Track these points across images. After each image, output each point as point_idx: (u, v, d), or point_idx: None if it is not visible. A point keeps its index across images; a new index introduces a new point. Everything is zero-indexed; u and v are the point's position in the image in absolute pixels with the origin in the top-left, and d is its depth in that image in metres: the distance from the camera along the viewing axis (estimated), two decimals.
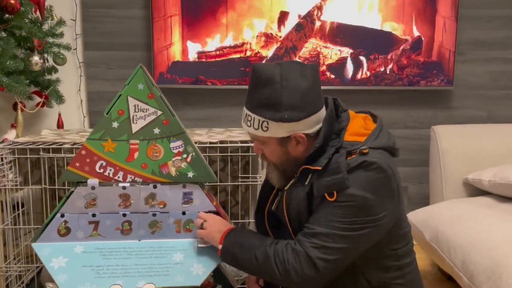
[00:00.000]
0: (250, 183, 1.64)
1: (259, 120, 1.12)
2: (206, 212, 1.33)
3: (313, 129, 1.14)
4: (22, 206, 1.69)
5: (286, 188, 1.20)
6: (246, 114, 1.15)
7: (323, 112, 1.15)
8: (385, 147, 1.13)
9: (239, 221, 1.70)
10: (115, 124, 1.31)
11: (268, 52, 2.46)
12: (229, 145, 1.60)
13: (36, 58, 2.08)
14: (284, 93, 1.09)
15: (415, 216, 2.03)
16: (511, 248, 1.57)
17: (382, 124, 1.19)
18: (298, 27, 2.45)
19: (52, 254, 1.31)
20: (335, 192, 1.08)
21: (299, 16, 2.44)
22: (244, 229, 1.32)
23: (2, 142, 1.76)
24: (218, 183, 1.59)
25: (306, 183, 1.15)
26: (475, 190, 2.14)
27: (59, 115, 2.38)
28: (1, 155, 1.53)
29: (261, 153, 1.22)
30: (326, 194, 1.10)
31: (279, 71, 1.10)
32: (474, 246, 1.66)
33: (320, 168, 1.11)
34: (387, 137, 1.17)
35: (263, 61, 2.46)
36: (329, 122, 1.15)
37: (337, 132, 1.16)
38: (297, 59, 2.48)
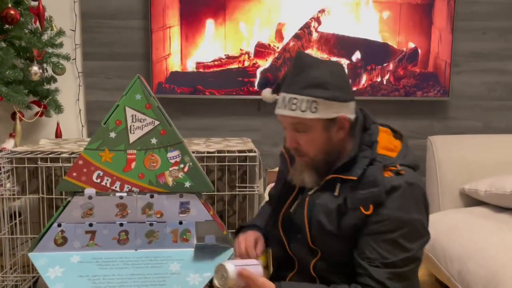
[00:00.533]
0: (248, 192, 1.64)
1: (307, 100, 1.10)
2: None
3: (352, 115, 1.15)
4: (19, 216, 1.68)
5: (310, 193, 1.19)
6: (290, 98, 1.12)
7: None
8: (412, 165, 1.15)
9: (237, 230, 1.70)
10: (112, 134, 1.32)
11: (266, 63, 2.48)
12: (226, 154, 1.60)
13: (35, 68, 2.09)
14: (330, 75, 1.11)
15: None
16: (507, 258, 1.57)
17: (406, 141, 1.21)
18: (296, 38, 2.47)
19: (49, 264, 1.31)
20: (371, 206, 1.09)
21: (297, 27, 2.46)
22: (290, 282, 1.24)
23: (0, 151, 1.76)
24: (216, 193, 1.59)
25: (336, 193, 1.14)
26: (471, 200, 2.14)
27: (58, 124, 2.39)
28: None
29: (295, 147, 1.18)
30: (361, 207, 1.09)
31: (318, 58, 1.14)
32: (471, 256, 1.66)
33: (356, 178, 1.11)
34: (413, 155, 1.18)
35: (260, 71, 2.48)
36: (361, 131, 1.17)
37: (368, 144, 1.16)
38: None
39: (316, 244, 1.19)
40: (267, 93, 1.30)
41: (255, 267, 1.12)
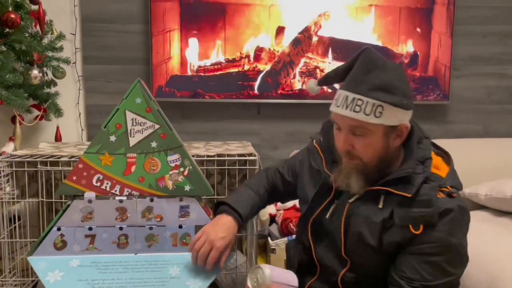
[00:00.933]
0: None
1: (373, 104, 1.03)
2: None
3: (409, 124, 1.10)
4: (19, 219, 1.68)
5: (350, 201, 1.15)
6: (354, 98, 1.05)
7: None
8: (459, 187, 1.13)
9: (236, 234, 1.69)
10: (112, 138, 1.32)
11: (266, 66, 2.48)
12: (226, 158, 1.60)
13: (35, 72, 2.09)
14: (398, 80, 1.06)
15: None
16: (508, 262, 1.57)
17: (452, 161, 1.17)
18: (295, 42, 2.47)
19: (48, 268, 1.30)
20: (421, 226, 1.06)
21: (297, 31, 2.47)
22: None
23: (0, 155, 1.76)
24: (215, 197, 1.59)
25: (380, 206, 1.10)
26: (471, 204, 2.14)
27: (57, 128, 2.39)
28: None
29: (349, 150, 1.10)
30: (411, 226, 1.06)
31: (386, 60, 1.08)
32: (471, 260, 1.63)
33: (410, 196, 1.06)
34: (457, 176, 1.15)
35: (261, 76, 2.48)
36: (416, 148, 1.12)
37: (421, 160, 1.11)
38: (295, 72, 2.50)
39: (349, 254, 1.16)
40: (312, 84, 1.23)
41: (290, 276, 1.12)
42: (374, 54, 1.07)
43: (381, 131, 1.07)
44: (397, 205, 1.08)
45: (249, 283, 1.09)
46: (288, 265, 1.38)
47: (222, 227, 1.23)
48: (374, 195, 1.11)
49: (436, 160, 1.14)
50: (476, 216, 2.02)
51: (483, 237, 1.76)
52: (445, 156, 1.17)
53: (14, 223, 1.65)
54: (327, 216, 1.19)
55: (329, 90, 2.49)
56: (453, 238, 1.06)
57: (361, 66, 1.07)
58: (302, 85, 2.51)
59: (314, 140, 1.30)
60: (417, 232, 1.06)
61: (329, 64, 2.49)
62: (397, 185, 1.08)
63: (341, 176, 1.14)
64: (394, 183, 1.08)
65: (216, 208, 1.32)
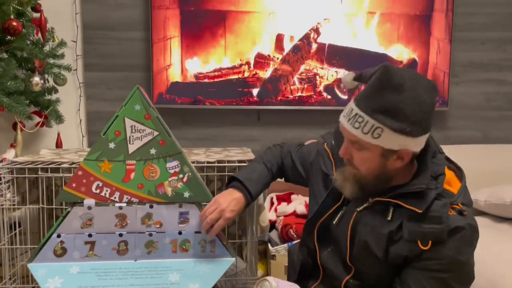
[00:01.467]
0: None
1: (373, 124, 1.02)
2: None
3: (418, 148, 1.07)
4: (19, 226, 1.69)
5: (358, 209, 1.14)
6: (357, 114, 1.03)
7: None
8: (470, 204, 1.12)
9: (236, 241, 1.70)
10: (111, 145, 1.32)
11: (266, 73, 2.50)
12: (226, 164, 1.61)
13: (36, 79, 2.10)
14: (411, 105, 1.00)
15: None
16: (508, 268, 1.57)
17: (464, 176, 1.15)
18: (295, 49, 2.49)
19: (48, 274, 1.30)
20: (430, 242, 1.05)
21: (296, 38, 2.48)
22: None
23: (1, 161, 1.77)
24: None
25: (389, 218, 1.09)
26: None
27: (58, 134, 2.40)
28: (0, 174, 1.54)
29: (348, 158, 1.11)
30: (419, 241, 1.05)
31: (409, 79, 1.01)
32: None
33: (421, 211, 1.05)
34: (469, 193, 1.14)
35: (261, 82, 2.49)
36: (430, 162, 1.10)
37: (434, 176, 1.09)
38: (295, 79, 2.51)
39: (354, 262, 1.16)
40: (348, 77, 1.19)
41: None
42: (394, 73, 1.01)
43: (378, 151, 1.05)
44: (407, 219, 1.07)
45: None
46: (290, 269, 1.38)
47: (234, 201, 1.28)
48: (383, 206, 1.10)
49: (449, 174, 1.13)
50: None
51: (483, 243, 1.75)
52: (458, 171, 1.15)
53: (15, 229, 1.65)
54: (334, 222, 1.19)
55: (329, 97, 2.50)
56: (461, 256, 1.06)
57: (373, 83, 1.03)
58: (302, 92, 2.52)
59: (326, 143, 1.29)
60: (425, 248, 1.05)
61: (328, 71, 2.51)
62: (408, 199, 1.07)
63: (340, 178, 1.15)
64: (405, 196, 1.07)
65: (229, 181, 1.36)
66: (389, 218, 1.09)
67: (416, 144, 1.05)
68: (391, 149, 1.04)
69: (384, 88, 1.01)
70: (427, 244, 1.05)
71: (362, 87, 1.11)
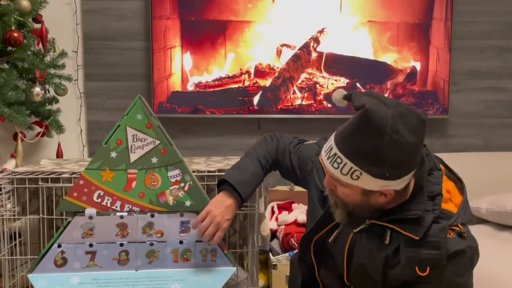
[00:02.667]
0: (248, 211, 1.63)
1: (351, 167, 0.98)
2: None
3: (403, 185, 1.02)
4: (20, 236, 1.68)
5: (355, 230, 1.11)
6: (336, 154, 1.00)
7: None
8: (470, 222, 1.10)
9: (237, 250, 1.69)
10: (113, 154, 1.32)
11: (266, 82, 2.50)
12: None
13: (37, 89, 2.11)
14: (392, 150, 0.95)
15: None
16: (510, 277, 1.56)
17: (465, 189, 1.12)
18: (295, 58, 2.50)
19: (48, 285, 1.30)
20: (428, 268, 1.02)
21: (296, 47, 2.49)
22: None
23: (2, 172, 1.76)
24: None
25: (387, 242, 1.05)
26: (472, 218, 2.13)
27: (59, 144, 2.40)
28: (0, 185, 1.54)
29: (331, 189, 1.09)
30: (417, 268, 1.03)
31: (392, 120, 0.95)
32: (474, 275, 1.64)
33: (418, 238, 1.02)
34: (469, 208, 1.11)
35: (261, 91, 2.50)
36: (426, 182, 1.05)
37: (431, 196, 1.05)
38: (294, 88, 2.52)
39: (353, 282, 1.15)
40: (338, 95, 1.14)
41: None
42: (373, 117, 0.95)
43: (358, 190, 1.03)
44: (404, 244, 1.04)
45: None
46: (291, 282, 1.37)
47: (227, 209, 1.26)
48: (380, 229, 1.07)
49: (448, 185, 1.10)
50: (477, 230, 1.99)
51: (485, 251, 1.74)
52: (458, 183, 1.12)
53: (15, 240, 1.65)
54: (330, 240, 1.17)
55: (329, 105, 2.50)
56: (460, 279, 1.04)
57: (353, 124, 0.98)
58: (302, 101, 2.52)
59: (321, 156, 1.25)
60: (423, 274, 1.03)
61: (328, 79, 2.51)
62: (404, 224, 1.04)
63: (332, 203, 1.13)
64: (401, 221, 1.04)
65: (220, 183, 1.32)
66: (387, 242, 1.06)
67: (398, 183, 1.01)
68: (372, 190, 1.02)
69: (364, 132, 0.96)
70: (426, 270, 1.02)
71: None
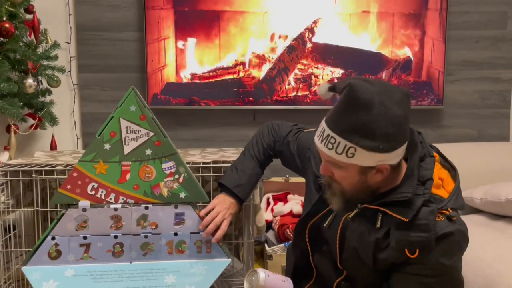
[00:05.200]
0: (244, 203, 1.64)
1: (345, 145, 1.00)
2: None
3: (398, 159, 1.04)
4: (14, 229, 1.67)
5: (347, 215, 1.13)
6: (329, 135, 1.02)
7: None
8: (461, 207, 1.10)
9: (233, 241, 1.69)
10: (107, 146, 1.32)
11: (261, 73, 2.49)
12: (222, 165, 1.60)
13: (30, 81, 2.09)
14: (381, 122, 0.97)
15: None
16: (504, 266, 1.57)
17: (458, 178, 1.13)
18: (290, 49, 2.48)
19: (43, 278, 1.29)
20: (417, 250, 1.04)
21: (291, 38, 2.48)
22: None
23: None
24: None
25: (378, 225, 1.07)
26: (467, 208, 2.15)
27: (53, 136, 2.39)
28: None
29: (328, 176, 1.10)
30: (407, 250, 1.05)
31: (377, 95, 0.98)
32: (468, 265, 1.64)
33: (407, 220, 1.04)
34: (461, 195, 1.12)
35: (256, 82, 2.49)
36: (417, 168, 1.07)
37: (422, 180, 1.07)
38: (290, 79, 2.51)
39: (345, 266, 1.16)
40: (323, 88, 1.15)
41: (285, 284, 1.15)
42: (360, 92, 0.98)
43: (355, 168, 1.04)
44: (394, 227, 1.06)
45: (245, 285, 1.14)
46: (287, 269, 1.38)
47: (230, 205, 1.35)
48: (372, 213, 1.09)
49: (442, 173, 1.11)
50: (471, 220, 2.02)
51: (479, 241, 1.77)
52: (452, 171, 1.14)
53: (9, 232, 1.64)
54: (325, 224, 1.19)
55: None
56: (448, 261, 1.05)
57: (341, 103, 1.01)
58: (297, 92, 2.52)
59: (314, 142, 1.28)
60: (412, 256, 1.04)
61: (323, 70, 2.51)
62: (394, 206, 1.06)
63: (328, 192, 1.13)
64: (392, 204, 1.06)
65: (220, 185, 1.40)
66: (378, 225, 1.08)
67: (393, 157, 1.03)
68: (368, 166, 1.03)
69: (352, 108, 0.99)
70: (415, 252, 1.04)
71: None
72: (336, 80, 2.43)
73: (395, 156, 1.03)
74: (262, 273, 1.11)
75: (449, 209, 1.05)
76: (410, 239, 1.04)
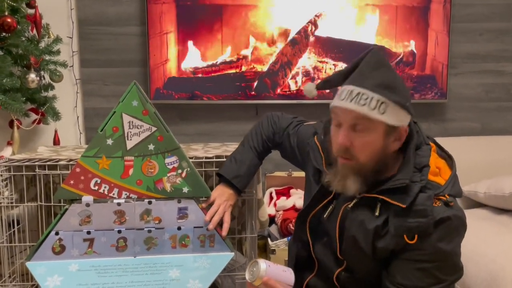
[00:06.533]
0: (246, 197, 1.63)
1: (378, 100, 1.03)
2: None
3: (407, 122, 1.10)
4: (18, 224, 1.68)
5: (349, 206, 1.14)
6: (360, 92, 1.04)
7: None
8: (458, 194, 1.11)
9: (236, 236, 1.70)
10: (109, 141, 1.31)
11: (264, 67, 2.48)
12: (225, 160, 1.60)
13: (32, 76, 2.09)
14: (399, 80, 1.09)
15: None
16: (507, 261, 1.57)
17: (455, 166, 1.15)
18: (293, 43, 2.47)
19: (47, 273, 1.30)
20: (416, 236, 1.05)
21: (294, 31, 2.47)
22: None
23: None
24: None
25: (377, 214, 1.09)
26: (470, 202, 2.14)
27: (56, 131, 2.39)
28: None
29: (347, 146, 1.07)
30: (405, 236, 1.06)
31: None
32: (471, 259, 1.65)
33: (404, 206, 1.05)
34: (458, 183, 1.13)
35: (259, 76, 2.48)
36: (414, 155, 1.10)
37: (418, 167, 1.10)
38: (292, 73, 2.50)
39: (345, 256, 1.17)
40: (311, 87, 1.23)
41: (287, 274, 1.15)
42: (381, 55, 1.10)
43: (382, 129, 1.05)
44: (393, 214, 1.08)
45: (246, 275, 1.15)
46: (289, 261, 1.38)
47: (230, 196, 1.39)
48: (371, 202, 1.10)
49: (439, 163, 1.12)
50: (475, 214, 2.02)
51: (483, 235, 1.76)
52: (449, 160, 1.15)
53: (13, 227, 1.65)
54: (325, 215, 1.20)
55: (327, 90, 2.48)
56: (446, 246, 1.06)
57: (368, 63, 1.08)
58: (300, 86, 2.51)
59: (316, 136, 1.29)
60: (411, 242, 1.06)
61: (326, 64, 2.49)
62: (392, 194, 1.07)
63: (337, 178, 1.11)
64: (390, 192, 1.08)
65: (219, 176, 1.42)
66: (377, 214, 1.09)
67: (408, 118, 1.09)
68: (393, 125, 1.06)
69: (379, 67, 1.07)
70: (413, 238, 1.05)
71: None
72: None
73: (409, 117, 1.09)
74: (263, 264, 1.12)
75: (446, 195, 1.07)
76: (408, 225, 1.05)
